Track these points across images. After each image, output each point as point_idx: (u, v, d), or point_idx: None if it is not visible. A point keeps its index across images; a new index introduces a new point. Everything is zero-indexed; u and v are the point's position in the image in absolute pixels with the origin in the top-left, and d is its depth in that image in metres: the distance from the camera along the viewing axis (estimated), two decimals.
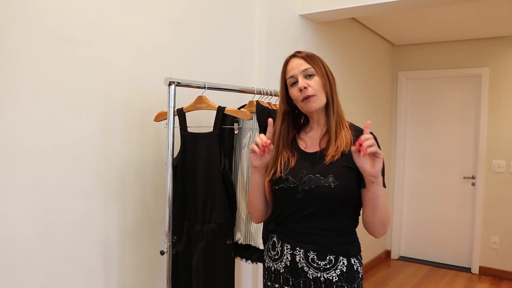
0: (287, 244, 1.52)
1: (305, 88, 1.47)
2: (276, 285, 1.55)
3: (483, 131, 4.77)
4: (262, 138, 1.44)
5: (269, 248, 1.60)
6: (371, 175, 1.34)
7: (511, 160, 4.65)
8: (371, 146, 1.28)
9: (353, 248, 1.50)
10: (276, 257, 1.56)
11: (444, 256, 5.11)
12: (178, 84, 1.84)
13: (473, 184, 4.90)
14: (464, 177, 4.97)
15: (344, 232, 1.49)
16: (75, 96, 1.82)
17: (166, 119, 1.88)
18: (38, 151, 1.69)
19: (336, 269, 1.46)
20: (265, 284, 1.61)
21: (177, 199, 1.93)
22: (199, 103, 1.98)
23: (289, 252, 1.52)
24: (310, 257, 1.48)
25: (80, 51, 1.82)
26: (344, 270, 1.46)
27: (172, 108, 1.84)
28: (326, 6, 3.13)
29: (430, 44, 5.10)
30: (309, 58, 1.51)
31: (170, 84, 1.82)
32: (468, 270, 4.90)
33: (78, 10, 1.80)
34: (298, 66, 1.50)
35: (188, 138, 1.97)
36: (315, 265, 1.47)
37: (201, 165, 1.92)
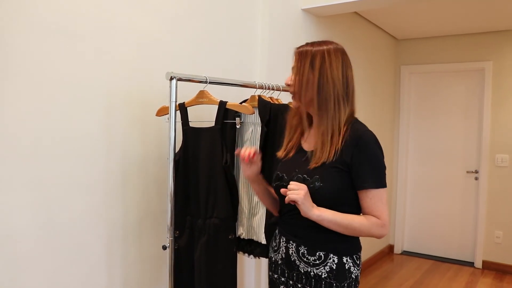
0: (283, 236, 1.57)
1: (289, 85, 1.53)
2: (275, 276, 1.60)
3: (487, 125, 4.75)
4: (249, 150, 1.54)
5: (273, 239, 1.66)
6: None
7: None
8: (291, 197, 1.36)
9: (345, 247, 1.48)
10: (276, 248, 1.61)
11: (447, 250, 5.10)
12: (180, 79, 1.84)
13: (476, 179, 4.89)
14: (468, 172, 4.95)
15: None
16: (77, 91, 1.81)
17: (168, 114, 1.87)
18: (39, 147, 1.70)
19: (326, 265, 1.46)
20: (268, 274, 1.66)
21: (179, 193, 1.93)
22: (201, 98, 1.97)
23: (284, 245, 1.56)
24: (301, 251, 1.50)
25: (81, 46, 1.82)
26: (334, 268, 1.45)
27: (174, 103, 1.83)
28: (329, 0, 3.11)
29: (433, 38, 5.08)
30: (301, 55, 1.49)
31: (171, 78, 1.82)
32: (471, 264, 4.90)
33: (78, 5, 1.80)
34: (293, 61, 1.53)
35: (190, 133, 1.96)
36: (305, 259, 1.49)
37: (203, 159, 1.92)
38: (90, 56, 1.85)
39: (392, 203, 5.36)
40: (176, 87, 1.83)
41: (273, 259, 1.62)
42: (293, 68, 1.52)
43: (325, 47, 1.47)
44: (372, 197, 1.42)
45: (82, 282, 1.88)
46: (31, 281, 1.69)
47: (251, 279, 2.84)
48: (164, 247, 1.87)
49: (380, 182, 1.43)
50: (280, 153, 1.61)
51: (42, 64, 1.69)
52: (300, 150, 1.56)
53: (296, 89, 1.49)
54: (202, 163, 1.92)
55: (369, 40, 4.54)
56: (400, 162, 5.30)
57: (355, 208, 1.48)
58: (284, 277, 1.56)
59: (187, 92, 2.08)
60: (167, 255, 1.90)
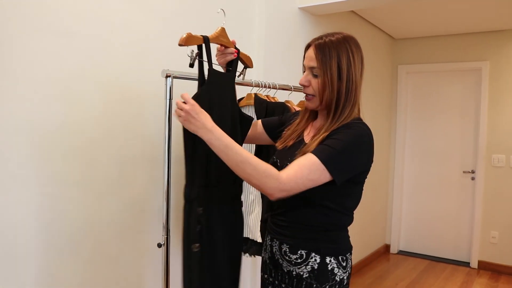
0: (269, 234, 1.54)
1: (305, 86, 1.45)
2: (265, 276, 1.57)
3: (483, 125, 4.76)
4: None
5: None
6: None
7: (510, 154, 4.64)
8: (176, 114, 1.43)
9: (329, 247, 1.42)
10: (264, 247, 1.58)
11: (443, 250, 5.11)
12: (175, 77, 1.83)
13: (472, 179, 4.90)
14: (464, 172, 4.96)
15: (318, 228, 1.42)
16: (72, 89, 1.80)
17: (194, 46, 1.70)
18: (34, 144, 1.68)
19: (307, 265, 1.41)
20: (260, 274, 1.64)
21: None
22: (222, 37, 1.82)
23: (269, 243, 1.54)
24: (283, 250, 1.46)
25: (76, 44, 1.81)
26: (316, 268, 1.40)
27: (170, 101, 1.82)
28: None
29: (430, 38, 5.08)
30: (323, 53, 1.41)
31: (167, 76, 1.81)
32: (467, 264, 4.91)
33: (73, 3, 1.79)
34: (309, 60, 1.44)
35: (215, 77, 1.68)
36: (287, 258, 1.45)
37: (227, 110, 1.70)
38: (85, 54, 1.84)
39: (389, 203, 5.37)
40: (172, 84, 1.82)
41: (264, 258, 1.58)
42: (311, 68, 1.43)
43: (347, 45, 1.43)
44: (303, 158, 1.32)
45: (77, 279, 1.87)
46: (24, 278, 1.68)
47: (247, 279, 2.83)
48: (159, 245, 1.86)
49: (324, 155, 1.30)
50: (278, 144, 1.57)
51: (38, 63, 1.67)
52: (300, 141, 1.50)
53: (318, 93, 1.42)
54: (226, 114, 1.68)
55: (366, 39, 4.54)
56: (397, 161, 5.30)
57: (338, 206, 1.41)
58: (271, 276, 1.52)
59: (183, 89, 2.06)
60: (161, 253, 1.89)
